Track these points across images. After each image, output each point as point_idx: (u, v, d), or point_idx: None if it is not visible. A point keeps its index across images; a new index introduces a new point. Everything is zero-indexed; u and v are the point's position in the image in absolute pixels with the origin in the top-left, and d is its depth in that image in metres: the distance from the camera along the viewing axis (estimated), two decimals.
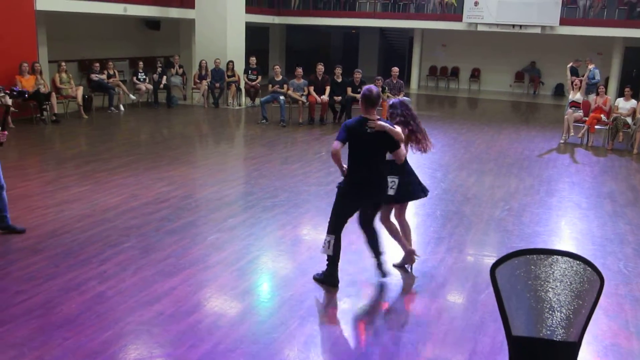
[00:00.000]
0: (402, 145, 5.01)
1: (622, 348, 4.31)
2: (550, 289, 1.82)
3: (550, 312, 1.81)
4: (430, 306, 4.86)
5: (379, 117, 4.97)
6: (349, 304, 4.84)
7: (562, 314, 1.81)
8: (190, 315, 4.48)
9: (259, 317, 4.57)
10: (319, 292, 5.03)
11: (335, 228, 5.03)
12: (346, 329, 4.50)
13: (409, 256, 5.54)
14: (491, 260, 5.84)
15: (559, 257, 1.84)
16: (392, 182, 5.23)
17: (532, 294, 1.83)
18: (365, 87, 5.02)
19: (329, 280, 5.11)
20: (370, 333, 4.39)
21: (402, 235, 5.52)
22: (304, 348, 4.14)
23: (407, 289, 5.25)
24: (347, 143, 4.89)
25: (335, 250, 5.01)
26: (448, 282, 5.38)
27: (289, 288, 5.11)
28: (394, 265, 5.58)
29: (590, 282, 1.84)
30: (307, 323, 4.49)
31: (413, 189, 5.45)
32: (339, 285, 5.11)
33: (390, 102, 5.49)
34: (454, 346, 4.24)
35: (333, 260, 5.06)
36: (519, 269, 1.87)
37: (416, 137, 5.39)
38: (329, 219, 5.09)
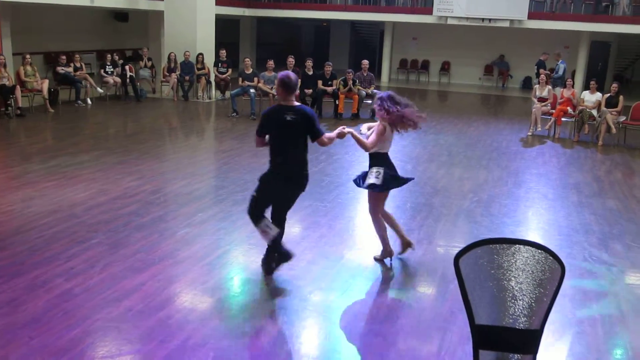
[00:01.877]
0: (329, 135, 5.01)
1: (587, 335, 4.40)
2: (512, 278, 1.84)
3: (513, 300, 1.83)
4: (400, 297, 4.90)
5: (298, 103, 4.99)
6: (319, 297, 4.85)
7: (524, 303, 1.83)
8: (160, 311, 4.44)
9: (229, 312, 4.56)
10: (290, 286, 5.03)
11: (252, 214, 5.01)
12: (316, 323, 4.51)
13: (405, 246, 5.64)
14: None
15: (521, 247, 1.87)
16: (378, 172, 5.25)
17: (495, 283, 1.85)
18: (282, 73, 4.94)
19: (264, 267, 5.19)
20: (340, 326, 4.41)
21: (398, 227, 5.61)
22: (274, 342, 4.14)
23: (377, 281, 5.28)
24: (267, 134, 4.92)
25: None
26: (417, 273, 5.43)
27: (259, 282, 5.10)
28: (375, 259, 5.60)
29: (552, 270, 1.86)
30: (277, 317, 4.50)
31: (397, 177, 5.48)
32: (310, 277, 5.12)
33: (379, 96, 5.44)
34: (424, 337, 4.28)
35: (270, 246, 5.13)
36: (482, 258, 1.89)
37: (401, 124, 5.36)
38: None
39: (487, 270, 1.87)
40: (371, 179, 5.26)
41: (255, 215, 5.02)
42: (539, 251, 1.86)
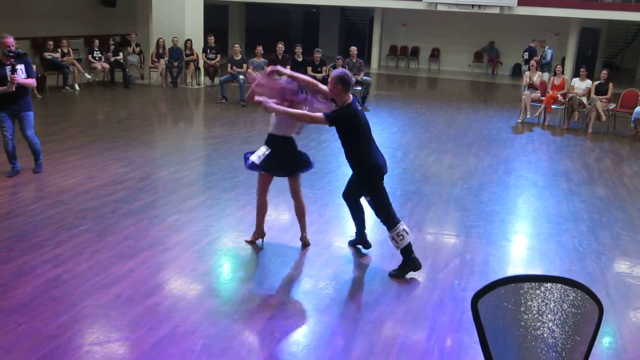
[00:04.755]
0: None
1: None
2: (543, 323, 1.59)
3: (545, 350, 1.58)
4: (390, 285, 4.89)
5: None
6: (309, 284, 4.84)
7: (558, 352, 1.58)
8: (149, 298, 4.42)
9: (218, 299, 4.54)
10: (279, 274, 5.02)
11: (391, 220, 5.08)
12: (306, 310, 4.49)
13: (260, 233, 5.62)
14: (451, 239, 5.95)
15: (551, 285, 1.60)
16: (263, 152, 5.13)
17: (522, 330, 1.59)
18: (340, 70, 4.98)
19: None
20: (329, 313, 4.40)
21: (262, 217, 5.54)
22: (263, 329, 4.12)
23: (367, 268, 5.27)
24: None
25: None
26: None
27: (248, 269, 5.09)
28: (246, 241, 5.60)
29: (589, 311, 1.62)
30: (267, 304, 4.48)
31: (280, 165, 5.23)
32: (301, 266, 5.11)
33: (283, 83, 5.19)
34: (413, 324, 4.29)
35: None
36: (506, 300, 1.61)
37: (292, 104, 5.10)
38: None
39: (513, 314, 1.60)
40: (254, 157, 5.16)
41: (394, 219, 5.05)
42: (573, 289, 1.61)
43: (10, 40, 7.18)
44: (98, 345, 3.78)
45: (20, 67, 7.17)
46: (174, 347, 3.82)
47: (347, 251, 5.57)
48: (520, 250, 5.95)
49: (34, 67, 13.28)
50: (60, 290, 4.45)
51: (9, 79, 6.99)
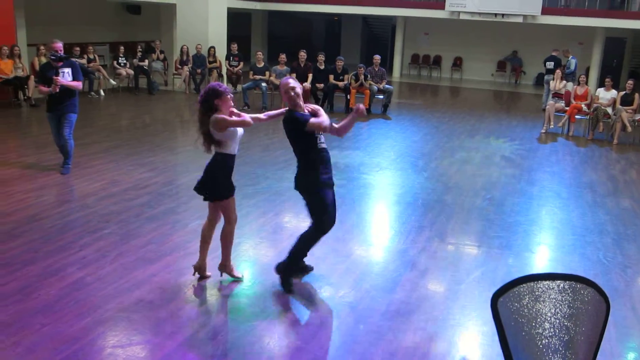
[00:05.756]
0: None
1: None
2: (557, 319, 1.65)
3: (558, 345, 1.63)
4: (411, 295, 4.87)
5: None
6: (329, 292, 4.84)
7: (571, 348, 1.65)
8: (170, 303, 4.45)
9: (239, 305, 4.56)
10: (299, 282, 5.02)
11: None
12: (326, 318, 4.50)
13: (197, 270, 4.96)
14: (472, 250, 5.91)
15: (565, 282, 1.71)
16: None
17: (538, 328, 1.65)
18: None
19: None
20: (349, 322, 4.39)
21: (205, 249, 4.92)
22: (284, 336, 4.13)
23: (388, 278, 5.26)
24: None
25: None
26: (429, 271, 5.39)
27: (269, 276, 5.10)
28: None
29: (598, 307, 1.69)
30: (287, 311, 4.49)
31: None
32: (320, 272, 5.12)
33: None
34: (434, 335, 4.26)
35: None
36: (523, 298, 1.68)
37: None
38: None
39: (530, 312, 1.67)
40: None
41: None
42: (583, 286, 1.70)
43: (58, 45, 7.62)
44: (120, 348, 3.82)
45: (67, 70, 7.54)
46: (195, 351, 3.84)
47: (368, 260, 5.56)
48: (543, 262, 5.89)
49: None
50: (84, 293, 4.50)
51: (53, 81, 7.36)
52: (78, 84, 7.69)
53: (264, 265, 5.30)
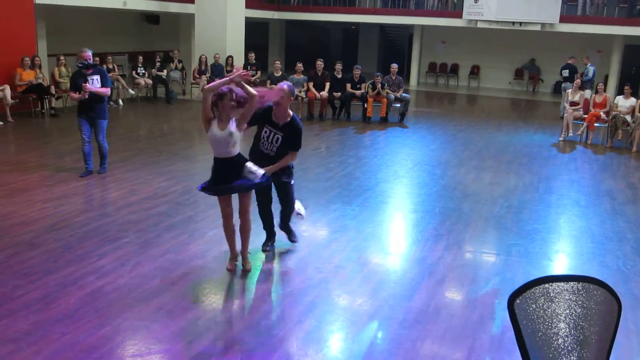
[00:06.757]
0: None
1: (622, 346, 4.31)
2: (572, 320, 1.73)
3: (574, 346, 1.72)
4: (429, 303, 4.85)
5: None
6: (347, 301, 4.84)
7: (587, 349, 1.72)
8: (189, 311, 4.47)
9: (257, 314, 4.57)
10: (317, 289, 5.02)
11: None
12: (345, 326, 4.49)
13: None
14: (490, 258, 5.87)
15: (579, 284, 1.76)
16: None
17: (554, 329, 1.74)
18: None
19: None
20: (367, 330, 4.39)
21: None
22: (303, 344, 4.13)
23: (406, 286, 5.24)
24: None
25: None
26: (447, 279, 5.37)
27: (288, 284, 5.11)
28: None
29: (610, 308, 1.77)
30: (306, 319, 4.49)
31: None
32: (338, 281, 5.12)
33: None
34: (453, 343, 4.24)
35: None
36: (538, 300, 1.73)
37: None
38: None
39: (545, 313, 1.77)
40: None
41: None
42: (597, 287, 1.76)
43: (87, 54, 7.97)
44: (139, 357, 3.84)
45: (96, 77, 7.91)
46: None
47: (385, 268, 5.55)
48: (561, 270, 5.84)
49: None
50: (103, 302, 4.54)
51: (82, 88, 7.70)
52: (106, 90, 8.05)
53: (282, 273, 5.31)
